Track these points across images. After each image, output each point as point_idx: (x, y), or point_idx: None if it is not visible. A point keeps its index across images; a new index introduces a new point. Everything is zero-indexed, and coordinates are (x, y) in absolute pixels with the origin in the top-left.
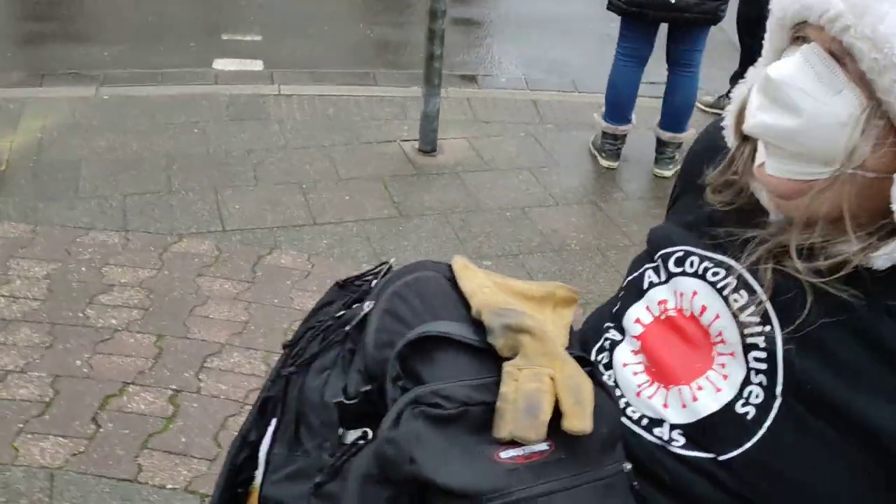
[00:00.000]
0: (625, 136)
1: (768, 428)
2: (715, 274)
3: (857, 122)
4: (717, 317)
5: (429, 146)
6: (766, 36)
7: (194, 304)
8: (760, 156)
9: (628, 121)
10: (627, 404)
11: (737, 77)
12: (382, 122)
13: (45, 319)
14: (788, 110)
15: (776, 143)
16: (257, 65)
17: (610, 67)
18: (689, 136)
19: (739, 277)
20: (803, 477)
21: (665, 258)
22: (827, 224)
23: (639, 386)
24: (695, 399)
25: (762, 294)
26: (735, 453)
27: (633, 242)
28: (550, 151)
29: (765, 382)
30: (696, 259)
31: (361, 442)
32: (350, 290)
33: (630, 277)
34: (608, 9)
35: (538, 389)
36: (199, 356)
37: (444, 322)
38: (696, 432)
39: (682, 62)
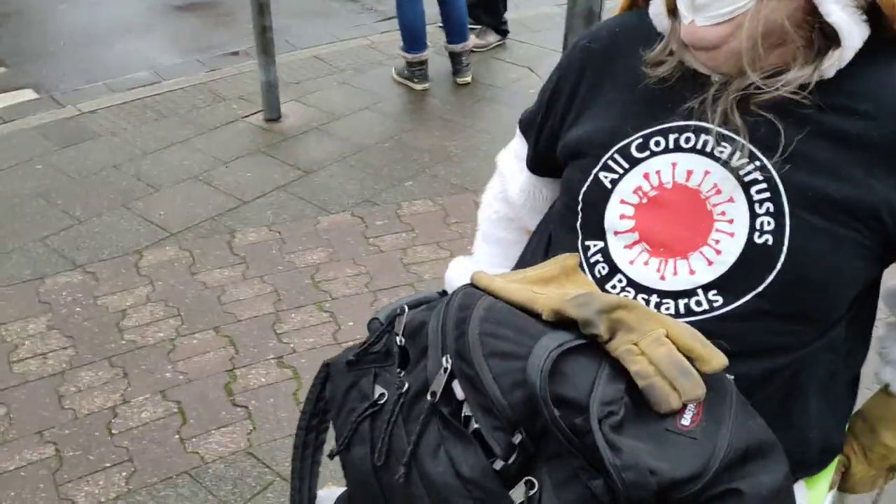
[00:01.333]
0: (427, 59)
1: (788, 246)
2: (688, 140)
3: None
4: (707, 172)
5: (275, 114)
6: None
7: (217, 295)
8: (688, 17)
9: (426, 46)
10: (660, 299)
11: None
12: (224, 102)
13: (95, 358)
14: None
15: None
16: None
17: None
18: (472, 42)
19: (714, 133)
20: (828, 275)
21: (622, 151)
22: (769, 54)
23: (657, 271)
24: (718, 252)
25: (742, 139)
26: (769, 280)
27: (468, 125)
28: (372, 90)
29: (772, 209)
30: (660, 138)
31: (533, 492)
32: (364, 365)
33: (579, 192)
34: None
35: (670, 351)
36: (268, 328)
37: (545, 337)
38: (731, 282)
39: None
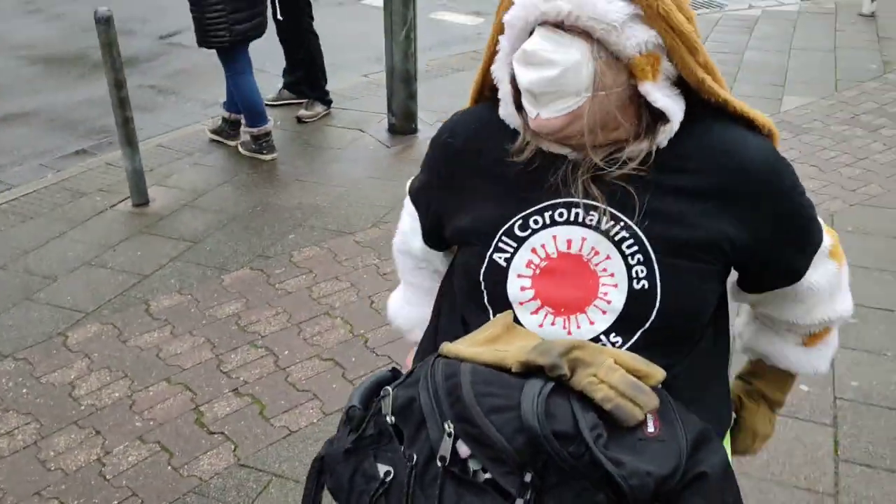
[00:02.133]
0: (271, 131)
1: (661, 287)
2: (561, 214)
3: (588, 57)
4: (584, 239)
5: (144, 199)
6: (506, 39)
7: (155, 353)
8: (532, 112)
9: (268, 119)
10: None
11: (286, 73)
12: (86, 196)
13: (62, 425)
14: (547, 66)
15: (546, 89)
16: None
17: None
18: (303, 113)
19: (581, 205)
20: (697, 303)
21: (507, 233)
22: (607, 136)
23: (564, 328)
24: (608, 303)
25: (603, 204)
26: (653, 317)
27: (324, 182)
28: (226, 167)
29: (642, 259)
30: (537, 217)
31: None
32: (361, 450)
33: (479, 273)
34: (209, 47)
35: (623, 375)
36: (215, 370)
37: (526, 387)
38: (623, 324)
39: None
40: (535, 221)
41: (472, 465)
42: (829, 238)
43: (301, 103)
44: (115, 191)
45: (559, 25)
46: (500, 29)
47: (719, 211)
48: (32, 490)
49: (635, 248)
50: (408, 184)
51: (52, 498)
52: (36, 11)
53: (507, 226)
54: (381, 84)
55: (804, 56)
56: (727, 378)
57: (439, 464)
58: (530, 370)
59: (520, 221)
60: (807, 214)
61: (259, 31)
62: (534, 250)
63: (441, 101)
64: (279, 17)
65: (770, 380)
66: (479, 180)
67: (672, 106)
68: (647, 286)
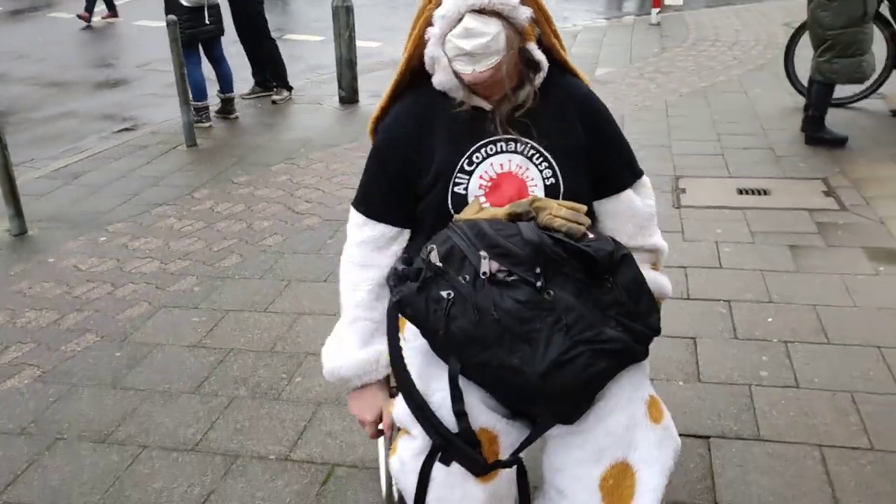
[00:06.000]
0: (209, 105)
1: (563, 180)
2: (492, 148)
3: (501, 28)
4: (510, 161)
5: (192, 142)
6: (438, 28)
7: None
8: (468, 70)
9: (207, 96)
10: None
11: (254, 74)
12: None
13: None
14: (481, 36)
15: (483, 51)
16: None
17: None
18: (275, 97)
19: (503, 139)
20: (580, 185)
21: (460, 170)
22: (511, 80)
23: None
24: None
25: (515, 135)
26: (560, 198)
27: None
28: (244, 123)
29: (547, 164)
30: (476, 154)
31: (551, 293)
32: (427, 283)
33: (447, 202)
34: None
35: (566, 210)
36: None
37: (520, 224)
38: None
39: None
40: (477, 157)
41: (500, 275)
42: (647, 179)
43: (269, 95)
44: (169, 141)
45: (481, 11)
46: (426, 23)
47: (577, 124)
48: None
49: (541, 158)
50: (357, 221)
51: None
52: None
53: (458, 165)
54: (325, 81)
55: (611, 48)
56: None
57: (483, 276)
58: (513, 217)
59: (466, 160)
60: (620, 134)
61: (204, 38)
62: (480, 176)
63: (368, 85)
64: (240, 33)
65: None
66: (428, 144)
67: (542, 57)
68: (553, 181)
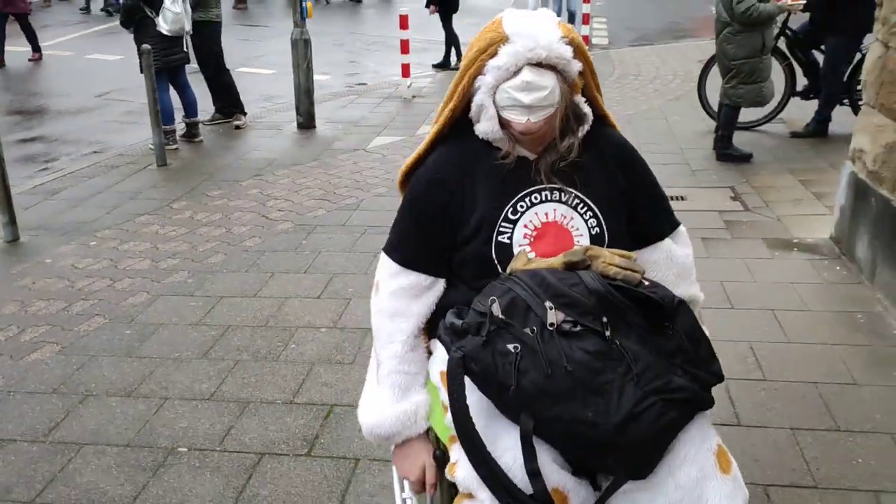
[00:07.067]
0: (175, 129)
1: (607, 229)
2: (536, 197)
3: (556, 82)
4: (555, 210)
5: (163, 162)
6: (492, 78)
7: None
8: (522, 119)
9: (174, 120)
10: None
11: (214, 102)
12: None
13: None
14: (540, 89)
15: (541, 104)
16: None
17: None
18: (235, 122)
19: (546, 188)
20: (623, 233)
21: (504, 219)
22: (560, 135)
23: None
24: (580, 245)
25: (559, 185)
26: (607, 238)
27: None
28: (211, 146)
29: (591, 214)
30: (521, 203)
31: (616, 342)
32: (492, 337)
33: (490, 252)
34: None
35: (619, 258)
36: None
37: (581, 273)
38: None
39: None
40: (521, 206)
41: (566, 326)
42: (683, 228)
43: (229, 121)
44: (139, 162)
45: (538, 64)
46: (477, 72)
47: (617, 174)
48: None
49: (585, 208)
50: (392, 269)
51: None
52: None
53: (503, 214)
54: (280, 109)
55: None
56: None
57: (550, 328)
58: (569, 266)
59: (511, 209)
60: (657, 183)
61: (169, 67)
62: (525, 226)
63: (322, 112)
64: (201, 65)
65: None
66: (470, 192)
67: (589, 111)
68: (599, 231)
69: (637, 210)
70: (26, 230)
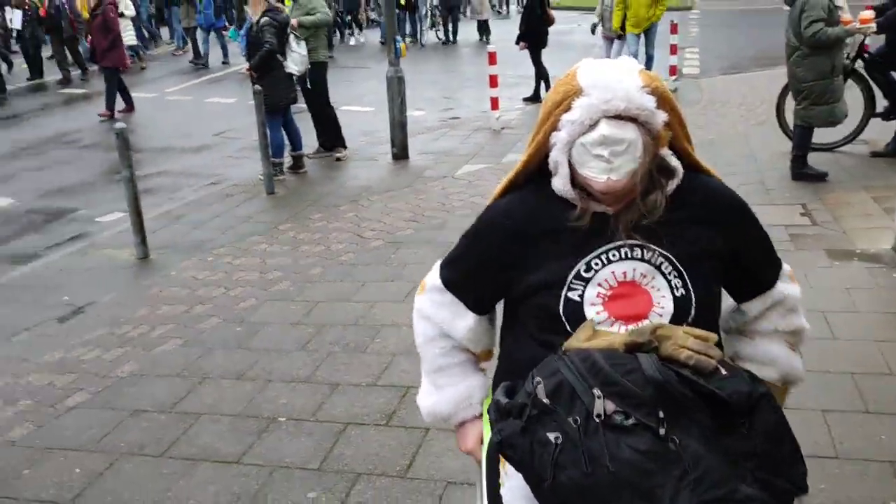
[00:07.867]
0: (283, 161)
1: (694, 291)
2: (614, 255)
3: (638, 134)
4: (634, 269)
5: (271, 190)
6: (566, 133)
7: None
8: (601, 178)
9: (284, 154)
10: None
11: (318, 136)
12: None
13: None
14: (619, 143)
15: (622, 159)
16: None
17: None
18: (337, 154)
19: (626, 245)
20: (713, 296)
21: (577, 276)
22: (643, 192)
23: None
24: (662, 308)
25: (641, 242)
26: (693, 312)
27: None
28: (314, 177)
29: (676, 273)
30: (596, 259)
31: (677, 442)
32: (533, 423)
33: (557, 309)
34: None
35: (694, 340)
36: None
37: (639, 357)
38: (675, 321)
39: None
40: (596, 264)
41: (617, 418)
42: (787, 266)
43: (331, 154)
44: (250, 191)
45: (617, 116)
46: (552, 127)
47: (713, 231)
48: None
49: (670, 267)
50: (436, 282)
51: None
52: None
53: (574, 271)
54: (377, 142)
55: None
56: None
57: (597, 420)
58: (631, 347)
59: (583, 266)
60: (764, 233)
61: (281, 106)
62: (599, 284)
63: (416, 144)
64: (308, 102)
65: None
66: (540, 245)
67: (677, 163)
68: (684, 293)
69: (745, 266)
70: (155, 249)
